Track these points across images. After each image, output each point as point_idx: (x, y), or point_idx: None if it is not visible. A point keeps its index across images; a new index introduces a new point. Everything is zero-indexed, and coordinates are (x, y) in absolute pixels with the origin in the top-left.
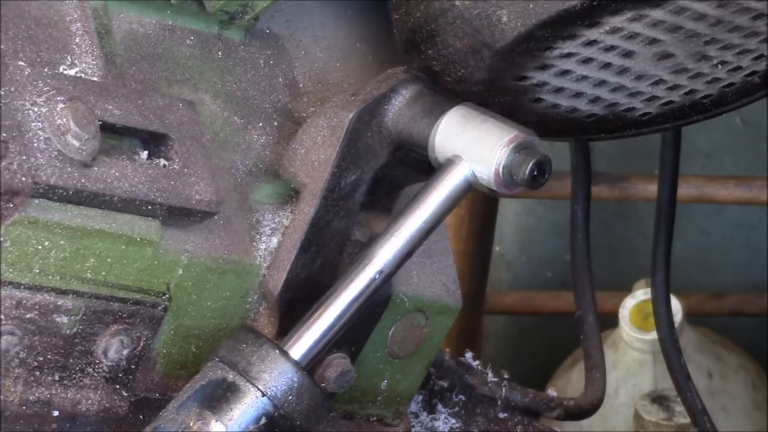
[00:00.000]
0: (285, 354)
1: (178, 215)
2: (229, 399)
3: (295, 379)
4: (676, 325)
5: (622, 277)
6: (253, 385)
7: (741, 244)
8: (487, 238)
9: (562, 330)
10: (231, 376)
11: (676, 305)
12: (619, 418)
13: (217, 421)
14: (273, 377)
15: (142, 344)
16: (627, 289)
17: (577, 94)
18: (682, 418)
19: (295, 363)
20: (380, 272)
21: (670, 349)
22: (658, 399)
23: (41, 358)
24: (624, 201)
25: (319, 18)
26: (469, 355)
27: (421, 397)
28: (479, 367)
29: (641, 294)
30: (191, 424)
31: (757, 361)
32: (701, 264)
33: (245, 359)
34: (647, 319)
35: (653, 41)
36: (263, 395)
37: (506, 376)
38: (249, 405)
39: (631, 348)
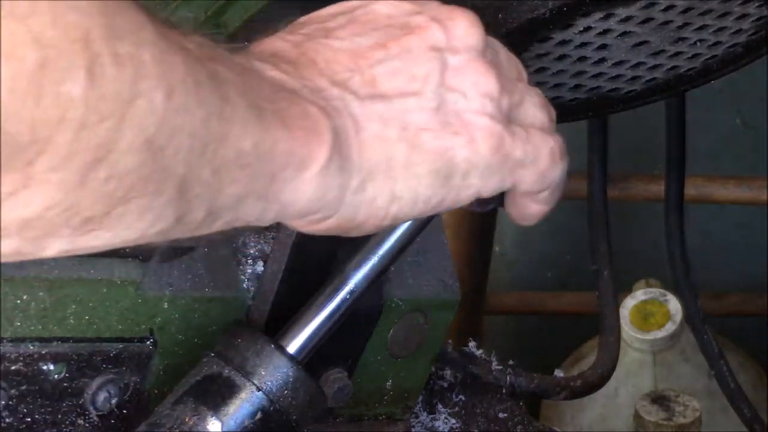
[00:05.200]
0: (280, 348)
1: (159, 253)
2: (225, 394)
3: (290, 373)
4: (675, 326)
5: (622, 277)
6: (249, 380)
7: (741, 244)
8: (487, 238)
9: (562, 330)
10: (226, 371)
11: (676, 305)
12: (619, 418)
13: (212, 416)
14: (268, 372)
15: (131, 390)
16: (627, 289)
17: (557, 85)
18: (682, 418)
19: (291, 357)
20: (351, 292)
21: (698, 325)
22: (658, 399)
23: (31, 412)
24: (624, 201)
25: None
26: (472, 344)
27: (420, 397)
28: (483, 356)
29: (641, 294)
30: (187, 420)
31: (758, 362)
32: (701, 264)
33: (240, 354)
34: (647, 319)
35: (626, 33)
36: (259, 390)
37: (511, 362)
38: (245, 400)
39: (631, 348)
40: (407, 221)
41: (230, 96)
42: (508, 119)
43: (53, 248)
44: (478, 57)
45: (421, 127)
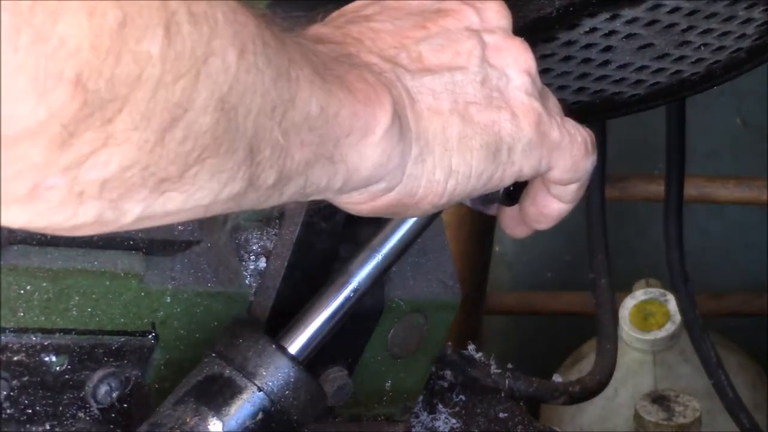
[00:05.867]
0: (282, 349)
1: (161, 247)
2: (226, 395)
3: (291, 374)
4: (675, 326)
5: (622, 277)
6: (250, 380)
7: (741, 244)
8: (487, 238)
9: (562, 330)
10: (227, 371)
11: (675, 305)
12: (619, 418)
13: (214, 416)
14: (270, 373)
15: (132, 383)
16: (627, 289)
17: (561, 87)
18: (682, 418)
19: (292, 358)
20: (355, 290)
21: (697, 334)
22: (658, 399)
23: (32, 403)
24: (623, 201)
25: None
26: (471, 347)
27: (421, 397)
28: (482, 359)
29: (641, 294)
30: (188, 420)
31: (757, 361)
32: (701, 264)
33: (242, 354)
34: (647, 319)
35: (631, 35)
36: (260, 390)
37: (510, 366)
38: (246, 401)
39: (631, 348)
40: (457, 200)
41: (296, 58)
42: (542, 102)
43: (132, 213)
44: (512, 36)
45: (470, 101)
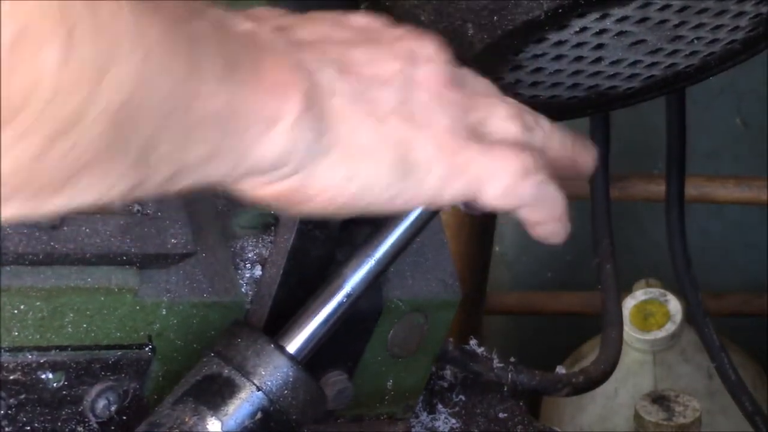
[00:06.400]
0: (280, 348)
1: (156, 260)
2: (225, 394)
3: (290, 373)
4: (675, 326)
5: (622, 277)
6: (249, 380)
7: (741, 244)
8: (487, 238)
9: (562, 330)
10: (226, 371)
11: (676, 305)
12: (619, 418)
13: (212, 416)
14: (268, 372)
15: (130, 396)
16: (627, 289)
17: (554, 85)
18: (682, 418)
19: (291, 357)
20: (348, 295)
21: (699, 319)
22: (658, 399)
23: (31, 420)
24: (624, 201)
25: None
26: (473, 342)
27: (421, 397)
28: (484, 353)
29: (641, 294)
30: (186, 420)
31: (757, 361)
32: (701, 264)
33: (240, 354)
34: (647, 319)
35: (623, 33)
36: (259, 390)
37: (512, 360)
38: (244, 400)
39: (631, 348)
40: (360, 209)
41: (205, 55)
42: (474, 133)
43: (6, 212)
44: (443, 73)
45: (388, 112)
